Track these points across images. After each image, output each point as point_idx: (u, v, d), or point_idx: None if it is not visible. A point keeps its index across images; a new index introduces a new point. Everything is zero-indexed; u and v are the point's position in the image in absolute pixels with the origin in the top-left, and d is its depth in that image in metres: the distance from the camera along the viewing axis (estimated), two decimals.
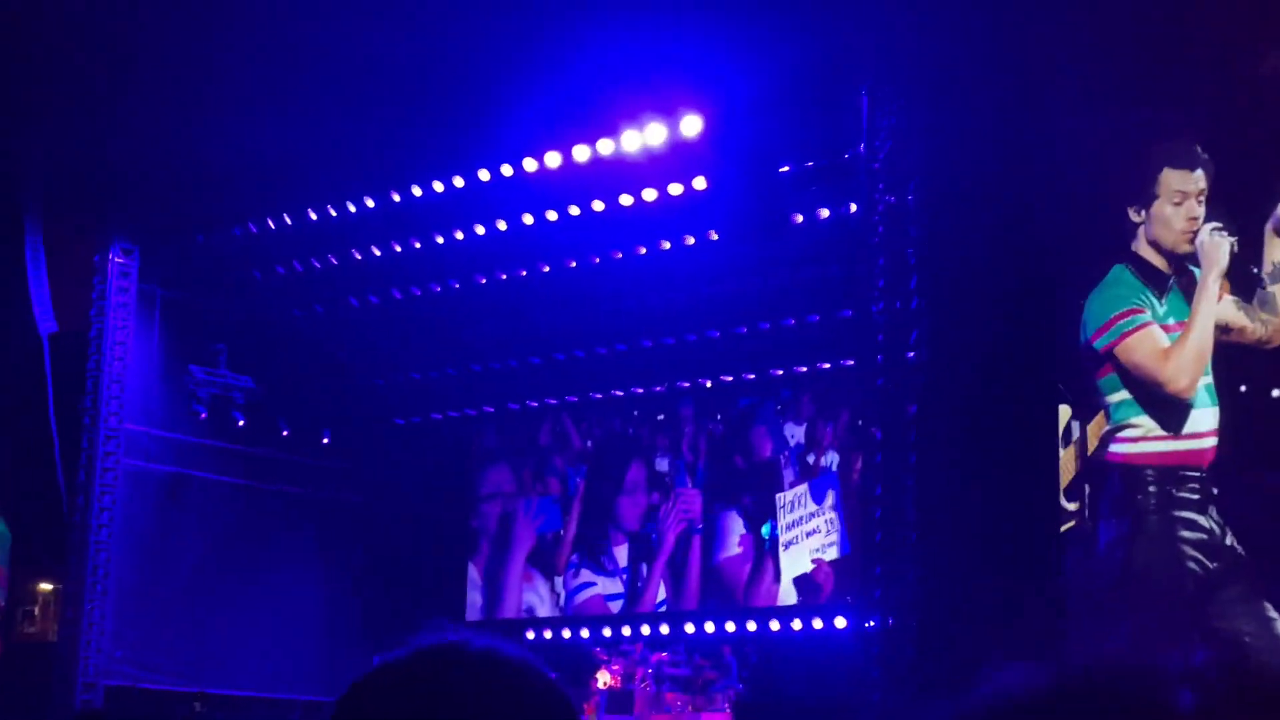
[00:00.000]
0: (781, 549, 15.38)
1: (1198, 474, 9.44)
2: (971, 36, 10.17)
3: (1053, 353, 10.15)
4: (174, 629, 15.36)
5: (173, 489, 15.46)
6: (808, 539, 15.28)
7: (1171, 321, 9.67)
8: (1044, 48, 9.84)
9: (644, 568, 16.40)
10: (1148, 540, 9.55)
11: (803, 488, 15.42)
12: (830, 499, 15.18)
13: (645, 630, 15.58)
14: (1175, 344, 9.61)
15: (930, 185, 10.49)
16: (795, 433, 15.65)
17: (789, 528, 15.42)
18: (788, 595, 15.26)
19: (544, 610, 16.85)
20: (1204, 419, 9.49)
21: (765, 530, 15.56)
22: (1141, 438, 9.69)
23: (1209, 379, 9.52)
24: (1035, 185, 10.05)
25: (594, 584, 16.73)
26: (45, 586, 16.23)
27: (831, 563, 15.03)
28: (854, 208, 12.14)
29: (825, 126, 11.87)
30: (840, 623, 13.86)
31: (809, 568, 15.15)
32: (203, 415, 15.63)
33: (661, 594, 16.21)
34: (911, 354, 10.56)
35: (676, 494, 16.32)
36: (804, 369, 15.35)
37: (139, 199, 14.56)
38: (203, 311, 15.68)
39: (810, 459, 15.45)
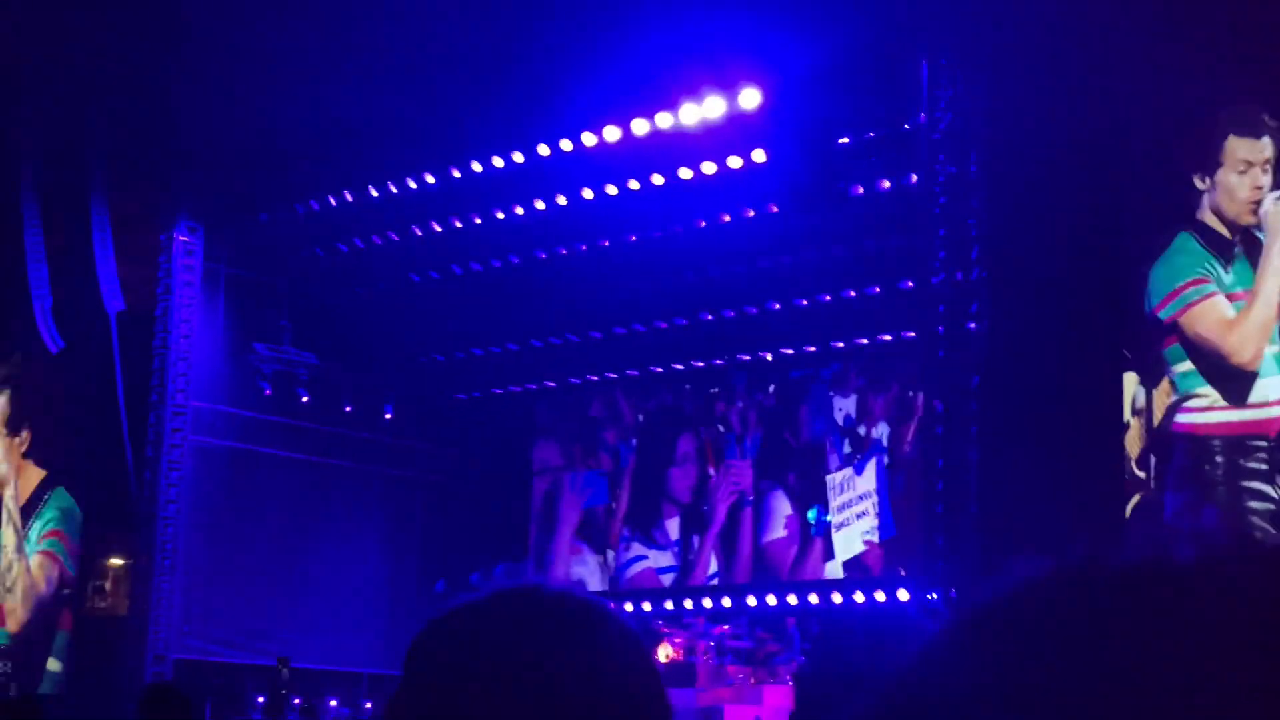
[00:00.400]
0: (834, 531, 15.40)
1: (1265, 443, 9.36)
2: (1032, 4, 10.09)
3: (1118, 322, 10.08)
4: (240, 603, 15.55)
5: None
6: (858, 520, 15.29)
7: (1238, 290, 9.57)
8: (1107, 15, 9.74)
9: (695, 540, 16.45)
10: (1216, 511, 9.49)
11: (848, 470, 15.42)
12: (873, 480, 15.18)
13: (707, 603, 15.62)
14: (1240, 314, 9.52)
15: (992, 155, 10.43)
16: (845, 405, 15.63)
17: (840, 510, 15.43)
18: (835, 575, 15.31)
19: (594, 584, 16.91)
20: (1272, 388, 9.40)
21: (812, 515, 15.56)
22: (1208, 408, 9.62)
23: (1276, 348, 9.42)
24: (1098, 154, 9.97)
25: (645, 557, 16.79)
26: (116, 561, 16.45)
27: (881, 544, 15.05)
28: (915, 179, 12.09)
29: (885, 98, 11.82)
30: (903, 595, 13.84)
31: (861, 549, 15.17)
32: (267, 391, 15.79)
33: (713, 567, 16.25)
34: (973, 325, 10.52)
35: (727, 466, 16.35)
36: (864, 341, 15.31)
37: (204, 177, 14.70)
38: (267, 288, 15.81)
39: (861, 430, 15.44)
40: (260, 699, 14.47)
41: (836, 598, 14.79)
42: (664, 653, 14.61)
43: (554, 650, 1.42)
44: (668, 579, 16.58)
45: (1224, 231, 9.63)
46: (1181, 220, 9.75)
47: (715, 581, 16.15)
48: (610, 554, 17.03)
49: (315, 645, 15.88)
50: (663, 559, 16.68)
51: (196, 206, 15.02)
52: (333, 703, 15.60)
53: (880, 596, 14.30)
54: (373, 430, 16.81)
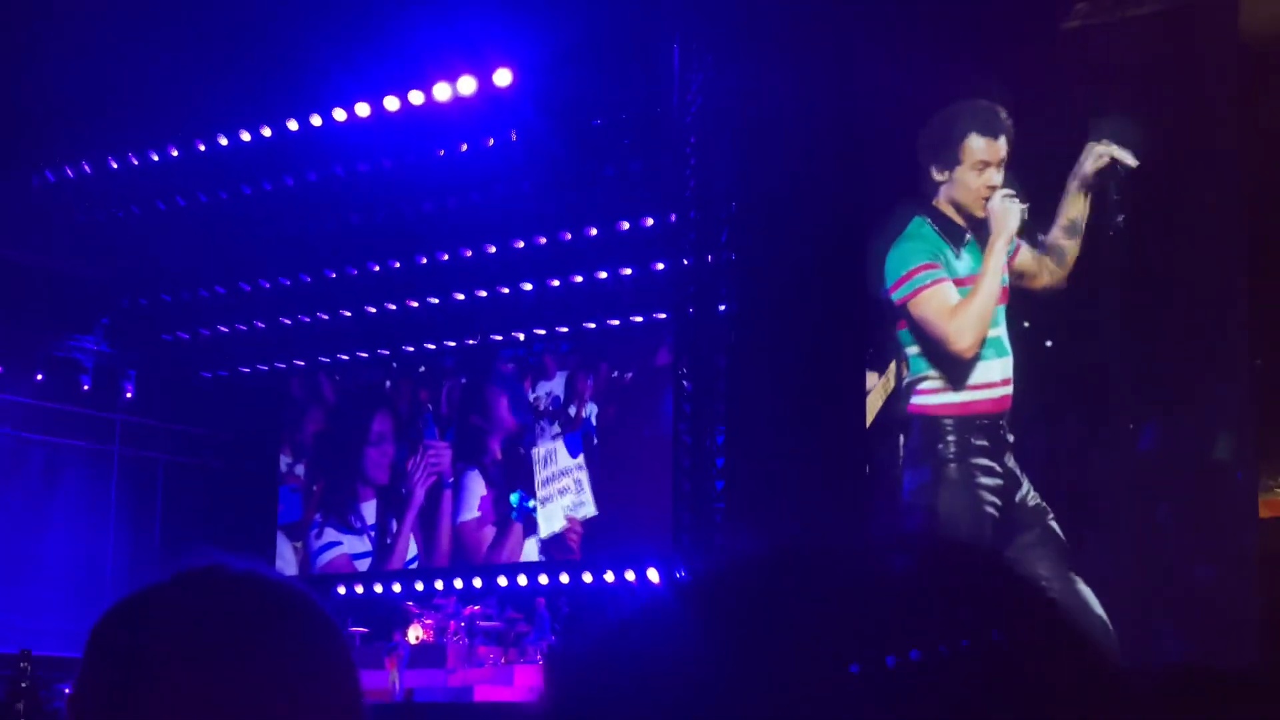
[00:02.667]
0: (540, 506, 15.57)
1: (992, 422, 9.75)
2: None
3: (860, 304, 10.36)
4: None
5: None
6: (561, 496, 15.50)
7: (965, 275, 9.95)
8: (857, 6, 9.98)
9: (393, 523, 16.40)
10: (948, 488, 9.84)
11: (556, 443, 15.61)
12: (582, 458, 15.42)
13: (458, 584, 15.58)
14: (961, 303, 9.90)
15: (741, 139, 10.60)
16: (553, 386, 15.79)
17: (544, 484, 15.60)
18: (531, 557, 15.48)
19: (290, 572, 16.74)
20: (994, 370, 9.80)
21: (514, 498, 15.71)
22: (936, 390, 9.97)
23: (998, 331, 9.82)
24: (844, 141, 10.22)
25: (339, 543, 16.69)
26: None
27: (583, 521, 15.30)
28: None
29: (638, 80, 11.92)
30: (652, 575, 14.01)
31: (563, 524, 15.39)
32: (1, 370, 15.16)
33: (412, 550, 16.25)
34: (723, 306, 10.70)
35: (425, 446, 16.37)
36: (614, 322, 15.45)
37: None
38: (6, 263, 15.17)
39: (571, 410, 15.63)
40: None
41: (588, 577, 14.91)
42: (414, 634, 14.51)
43: (236, 628, 1.39)
44: (364, 565, 16.50)
45: (958, 219, 9.99)
46: (916, 205, 10.08)
47: (415, 565, 16.14)
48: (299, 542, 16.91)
49: (55, 630, 15.34)
50: (358, 544, 16.58)
51: None
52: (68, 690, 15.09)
53: (630, 576, 14.46)
54: (112, 409, 16.29)
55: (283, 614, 1.43)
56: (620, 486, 15.06)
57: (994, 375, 9.79)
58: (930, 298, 9.99)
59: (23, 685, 13.13)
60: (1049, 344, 9.62)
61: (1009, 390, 9.74)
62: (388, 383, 16.83)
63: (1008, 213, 9.78)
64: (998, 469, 9.72)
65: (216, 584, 1.44)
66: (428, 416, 16.44)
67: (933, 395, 9.98)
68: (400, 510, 16.41)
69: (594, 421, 15.49)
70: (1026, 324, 9.72)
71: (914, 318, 10.03)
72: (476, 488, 15.99)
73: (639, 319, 15.14)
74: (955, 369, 9.89)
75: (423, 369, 16.62)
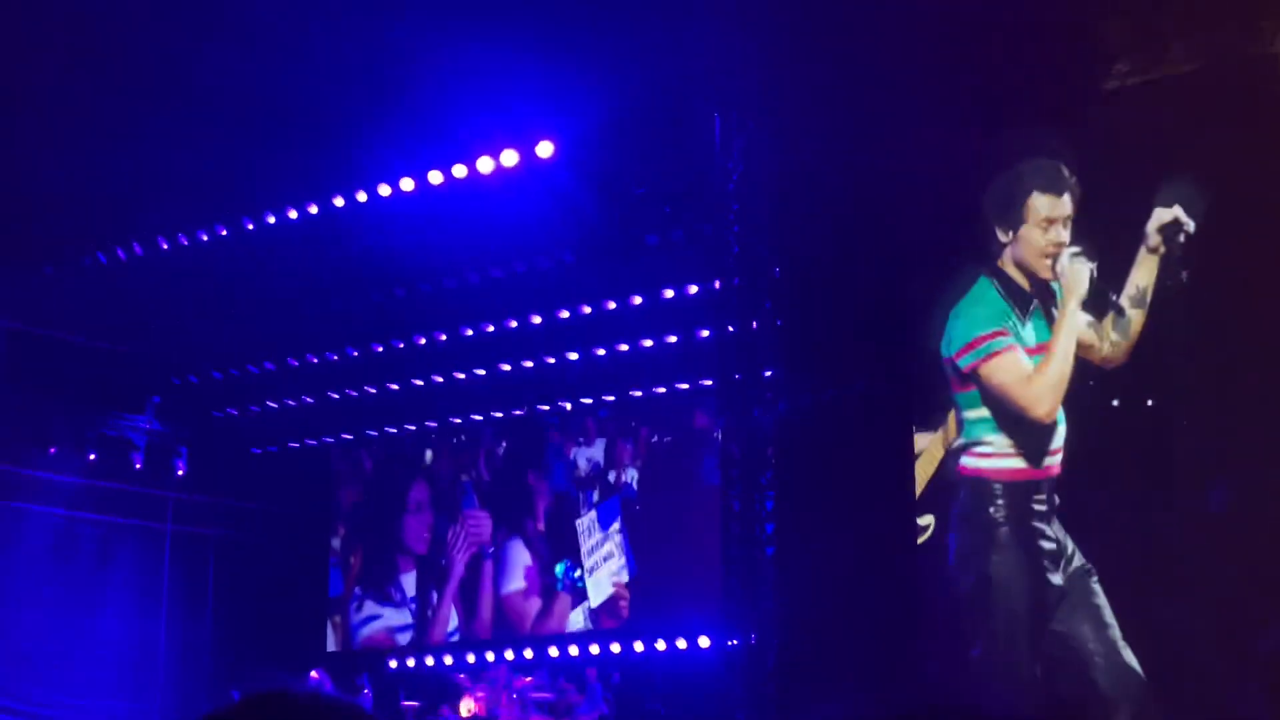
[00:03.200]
0: (587, 576, 15.51)
1: (1044, 488, 9.66)
2: (828, 54, 10.31)
3: (910, 366, 10.31)
4: (23, 667, 14.98)
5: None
6: (605, 563, 15.45)
7: (1033, 344, 9.85)
8: (904, 64, 9.97)
9: (434, 595, 16.36)
10: (1000, 551, 9.74)
11: (591, 514, 15.58)
12: (617, 523, 15.38)
13: (509, 655, 15.53)
14: (1037, 369, 9.78)
15: (784, 204, 10.62)
16: (592, 454, 15.77)
17: (589, 553, 15.56)
18: (578, 625, 15.41)
19: (331, 648, 16.72)
20: (1056, 437, 9.72)
21: (560, 569, 15.66)
22: (995, 454, 9.87)
23: None
24: (894, 201, 10.19)
25: (379, 616, 16.65)
26: None
27: (626, 585, 15.24)
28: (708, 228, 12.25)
29: (679, 149, 11.95)
30: (704, 642, 13.94)
31: (610, 591, 15.33)
32: (52, 451, 15.28)
33: (453, 623, 16.19)
34: (768, 372, 10.68)
35: (465, 516, 16.35)
36: (661, 390, 15.45)
37: None
38: (49, 343, 15.32)
39: (611, 476, 15.61)
40: None
41: (639, 646, 14.84)
42: (466, 707, 14.48)
43: None
44: (404, 637, 16.45)
45: (1024, 283, 9.90)
46: (982, 266, 10.01)
47: (456, 638, 16.08)
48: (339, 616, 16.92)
49: (105, 711, 15.37)
50: (398, 617, 16.53)
51: None
52: None
53: (682, 644, 14.38)
54: (164, 487, 16.39)
55: None
56: (663, 550, 15.03)
57: (1053, 443, 9.71)
58: (1004, 365, 9.87)
59: None
60: (1115, 403, 9.51)
61: (1060, 457, 9.66)
62: (428, 453, 16.86)
63: (1077, 274, 9.66)
64: (1049, 533, 9.63)
65: (284, 707, 1.45)
66: (467, 485, 16.45)
67: (987, 459, 9.88)
68: (441, 581, 16.39)
69: (634, 486, 15.46)
70: (1091, 382, 9.61)
71: (986, 384, 9.92)
72: (520, 558, 15.96)
73: (684, 386, 15.14)
74: (1032, 438, 9.76)
75: (462, 437, 16.65)
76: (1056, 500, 9.60)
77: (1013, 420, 9.81)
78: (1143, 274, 9.43)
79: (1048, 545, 9.59)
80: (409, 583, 16.61)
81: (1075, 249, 9.69)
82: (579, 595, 15.59)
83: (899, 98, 10.10)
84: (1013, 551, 9.68)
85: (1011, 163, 9.91)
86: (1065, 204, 9.76)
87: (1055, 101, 9.70)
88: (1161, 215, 9.28)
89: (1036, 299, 9.85)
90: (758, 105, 10.74)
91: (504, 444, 16.43)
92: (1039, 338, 9.82)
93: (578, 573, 15.63)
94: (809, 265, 10.50)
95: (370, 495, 17.20)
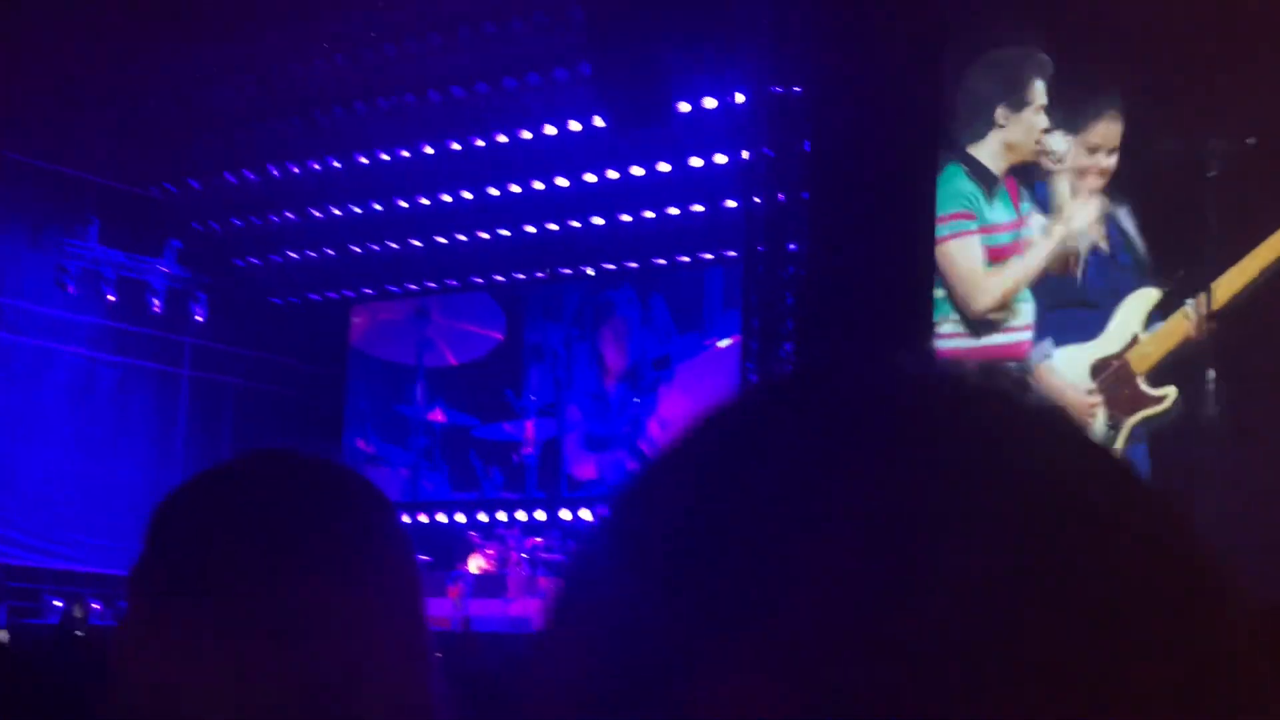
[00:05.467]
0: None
1: (1015, 366, 9.62)
2: None
3: (928, 249, 10.24)
4: (41, 505, 15.15)
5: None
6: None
7: (1003, 221, 9.84)
8: None
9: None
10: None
11: None
12: None
13: (522, 516, 15.66)
14: (996, 270, 9.78)
15: (817, 78, 10.48)
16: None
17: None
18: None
19: None
20: (1022, 315, 9.69)
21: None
22: (955, 334, 9.86)
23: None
24: (928, 82, 10.07)
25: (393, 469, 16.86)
26: None
27: None
28: (742, 98, 12.14)
29: (713, 13, 11.78)
30: None
31: None
32: (71, 289, 15.28)
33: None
34: (792, 245, 10.61)
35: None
36: (685, 259, 15.44)
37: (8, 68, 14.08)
38: (74, 183, 15.29)
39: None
40: (57, 603, 14.13)
41: None
42: (476, 564, 14.61)
43: (301, 511, 1.36)
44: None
45: (998, 165, 9.88)
46: (952, 153, 9.99)
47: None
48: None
49: (121, 552, 15.56)
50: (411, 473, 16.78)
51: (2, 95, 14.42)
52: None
53: None
54: (182, 332, 16.43)
55: (357, 502, 1.40)
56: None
57: (1019, 321, 9.68)
58: (958, 250, 9.88)
59: (77, 634, 13.25)
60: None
61: (1030, 335, 9.62)
62: None
63: (1086, 207, 9.61)
64: None
65: (288, 467, 1.41)
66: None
67: (951, 340, 9.85)
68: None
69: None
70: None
71: (940, 265, 9.92)
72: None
73: (709, 256, 15.11)
74: (977, 326, 9.80)
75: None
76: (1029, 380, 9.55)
77: (960, 307, 9.84)
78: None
79: None
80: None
81: (1061, 131, 9.67)
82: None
83: None
84: None
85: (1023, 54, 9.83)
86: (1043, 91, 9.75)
87: None
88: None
89: (1012, 179, 9.83)
90: None
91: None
92: (1008, 216, 9.81)
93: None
94: (842, 143, 10.37)
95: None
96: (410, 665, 1.37)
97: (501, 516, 15.80)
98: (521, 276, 16.24)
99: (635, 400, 15.72)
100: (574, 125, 13.78)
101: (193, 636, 1.31)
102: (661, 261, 15.50)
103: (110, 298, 15.57)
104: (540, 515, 15.63)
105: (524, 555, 14.51)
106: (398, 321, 17.19)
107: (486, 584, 14.06)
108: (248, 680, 1.29)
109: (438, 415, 16.41)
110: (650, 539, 0.53)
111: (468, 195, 15.19)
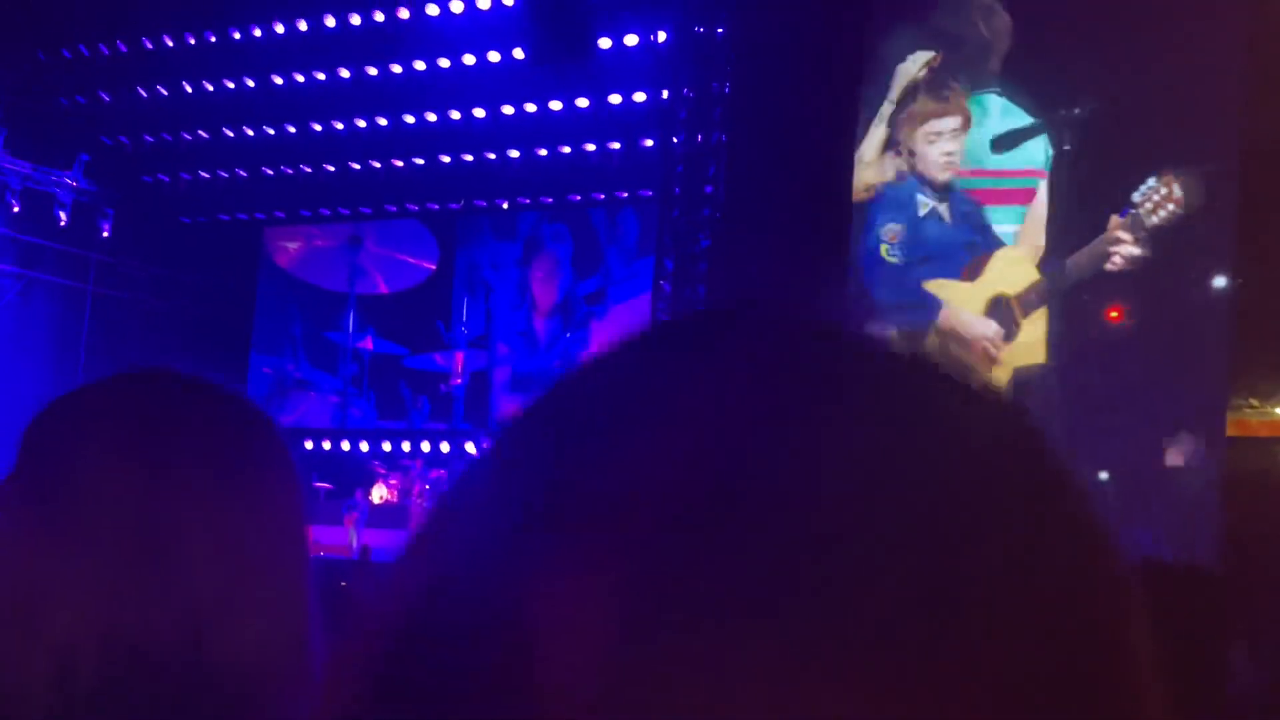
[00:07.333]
0: None
1: None
2: None
3: (845, 198, 10.28)
4: None
5: None
6: None
7: None
8: None
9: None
10: None
11: None
12: None
13: (425, 447, 15.62)
14: None
15: (741, 23, 10.46)
16: None
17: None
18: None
19: None
20: None
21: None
22: None
23: None
24: (858, 25, 10.07)
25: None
26: None
27: None
28: (663, 36, 12.09)
29: None
30: None
31: None
32: None
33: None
34: (709, 188, 10.62)
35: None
36: (600, 196, 15.38)
37: None
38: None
39: None
40: None
41: None
42: (378, 494, 14.56)
43: (178, 430, 1.34)
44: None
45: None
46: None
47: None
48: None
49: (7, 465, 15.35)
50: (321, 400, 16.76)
51: None
52: None
53: None
54: (88, 247, 16.16)
55: (239, 424, 1.38)
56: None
57: None
58: None
59: None
60: None
61: None
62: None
63: None
64: None
65: (163, 385, 1.38)
66: None
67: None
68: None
69: None
70: None
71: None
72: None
73: (623, 194, 15.06)
74: None
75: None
76: None
77: None
78: None
79: None
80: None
81: None
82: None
83: None
84: None
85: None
86: None
87: None
88: None
89: None
90: None
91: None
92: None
93: None
94: (761, 84, 10.37)
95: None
96: (287, 590, 1.35)
97: (405, 446, 15.76)
98: (456, 207, 16.10)
99: (566, 335, 15.66)
100: (493, 56, 13.66)
101: (61, 553, 1.28)
102: (577, 198, 15.44)
103: (15, 208, 15.27)
104: (444, 447, 15.59)
105: (427, 486, 14.49)
106: (331, 248, 17.00)
107: (387, 514, 14.03)
108: (119, 598, 1.27)
109: (368, 343, 16.28)
110: (520, 472, 0.53)
111: (383, 122, 15.02)
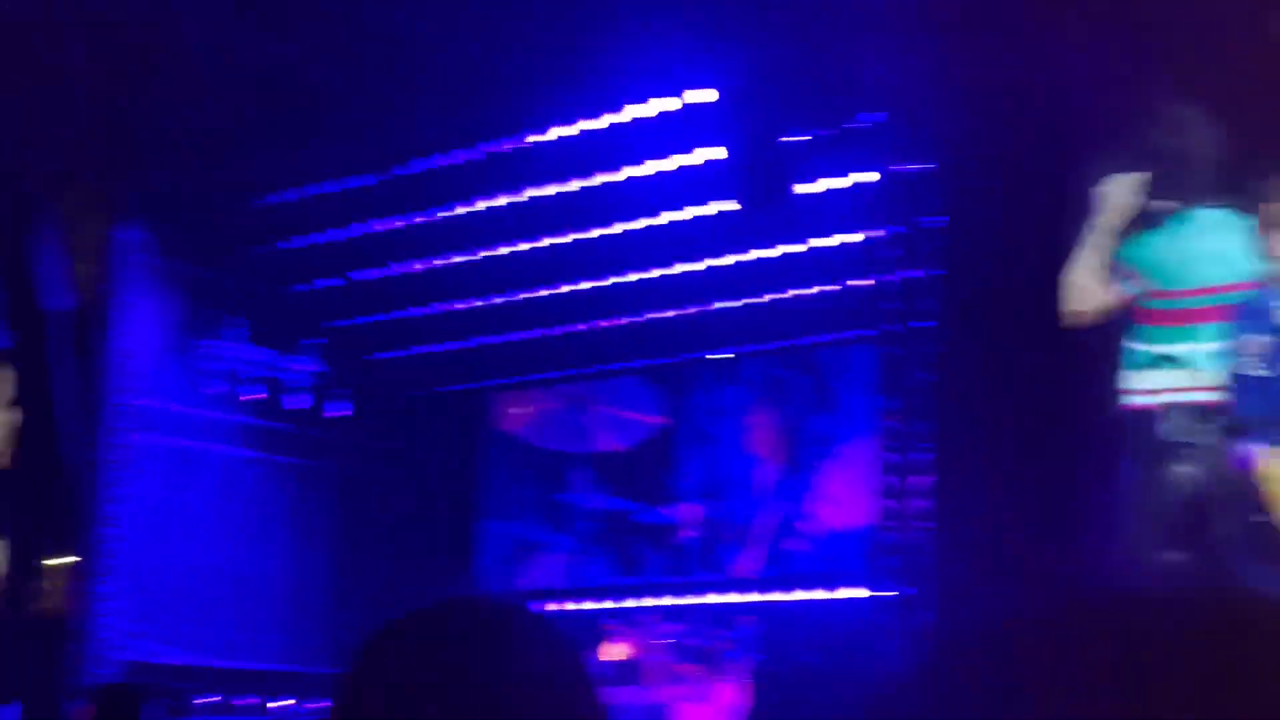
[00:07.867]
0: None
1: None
2: None
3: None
4: (189, 603, 15.36)
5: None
6: None
7: None
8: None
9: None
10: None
11: None
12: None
13: (666, 601, 15.56)
14: None
15: (949, 152, 10.45)
16: None
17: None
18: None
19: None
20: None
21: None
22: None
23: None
24: (1061, 156, 9.94)
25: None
26: (56, 562, 16.23)
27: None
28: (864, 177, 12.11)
29: (837, 94, 11.80)
30: (859, 592, 13.83)
31: None
32: (216, 389, 15.60)
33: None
34: (926, 323, 10.54)
35: None
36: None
37: (151, 172, 14.49)
38: (216, 284, 15.63)
39: None
40: (197, 701, 14.31)
41: (792, 595, 14.80)
42: (613, 651, 14.54)
43: (493, 660, 1.40)
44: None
45: None
46: None
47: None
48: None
49: (263, 645, 15.74)
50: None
51: (145, 201, 14.83)
52: (289, 702, 15.43)
53: (838, 594, 14.30)
54: (322, 427, 16.67)
55: (532, 639, 1.43)
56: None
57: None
58: None
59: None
60: None
61: None
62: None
63: None
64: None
65: (469, 613, 1.44)
66: None
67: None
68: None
69: None
70: None
71: None
72: None
73: (846, 335, 15.02)
74: None
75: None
76: None
77: None
78: None
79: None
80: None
81: None
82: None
83: (1060, 30, 9.80)
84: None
85: None
86: None
87: None
88: None
89: None
90: (921, 49, 10.53)
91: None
92: None
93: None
94: (976, 217, 10.30)
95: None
96: None
97: (654, 603, 15.71)
98: (677, 360, 16.26)
99: (791, 482, 15.59)
100: (704, 210, 13.81)
101: None
102: (795, 342, 15.44)
103: (260, 395, 15.88)
104: (685, 601, 15.51)
105: (662, 642, 14.41)
106: (556, 410, 17.32)
107: (623, 671, 13.99)
108: None
109: (597, 501, 16.50)
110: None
111: (604, 283, 15.25)
